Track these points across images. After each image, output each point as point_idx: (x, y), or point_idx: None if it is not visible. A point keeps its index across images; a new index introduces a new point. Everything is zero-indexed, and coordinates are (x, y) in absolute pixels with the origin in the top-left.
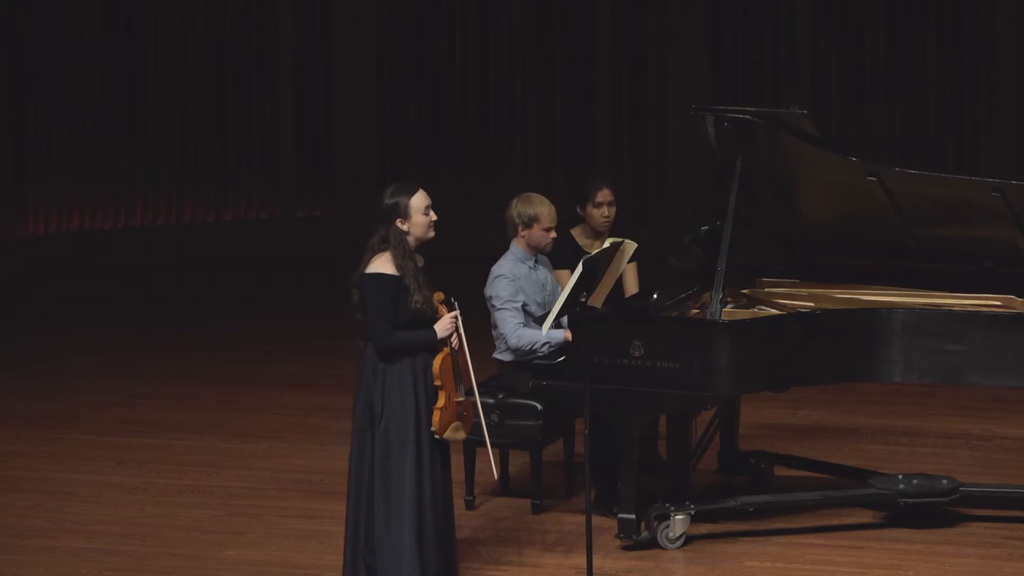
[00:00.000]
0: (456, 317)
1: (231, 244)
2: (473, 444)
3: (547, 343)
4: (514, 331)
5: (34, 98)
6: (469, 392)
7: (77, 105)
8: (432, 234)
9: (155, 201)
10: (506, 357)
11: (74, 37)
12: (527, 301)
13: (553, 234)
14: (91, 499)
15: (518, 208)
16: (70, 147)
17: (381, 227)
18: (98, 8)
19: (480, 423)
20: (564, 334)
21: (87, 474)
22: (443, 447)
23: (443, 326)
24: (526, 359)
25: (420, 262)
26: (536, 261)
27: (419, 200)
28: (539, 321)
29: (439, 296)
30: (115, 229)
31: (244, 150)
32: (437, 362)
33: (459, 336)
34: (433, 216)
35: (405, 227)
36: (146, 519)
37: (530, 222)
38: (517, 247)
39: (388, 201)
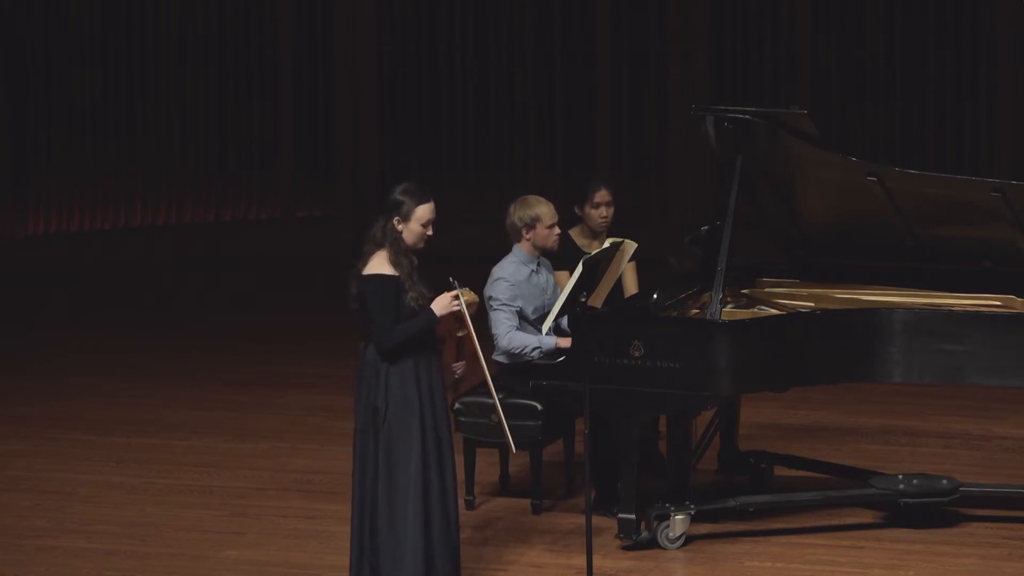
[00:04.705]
0: (457, 296)
1: (231, 244)
2: (473, 444)
3: (537, 348)
4: (506, 333)
5: (34, 98)
6: (483, 385)
7: (77, 105)
8: (422, 245)
9: (155, 201)
10: (505, 359)
11: (74, 37)
12: (524, 306)
13: (557, 230)
14: (91, 499)
15: (518, 213)
16: (70, 147)
17: (381, 218)
18: (98, 8)
19: (497, 409)
20: (555, 342)
21: (87, 474)
22: (446, 448)
23: (441, 303)
24: (515, 361)
25: (413, 261)
26: (539, 264)
27: (424, 211)
28: (535, 324)
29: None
30: (115, 229)
31: (244, 150)
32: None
33: (466, 319)
34: (430, 231)
35: (400, 228)
36: (146, 519)
37: (532, 223)
38: (521, 250)
39: (395, 197)
